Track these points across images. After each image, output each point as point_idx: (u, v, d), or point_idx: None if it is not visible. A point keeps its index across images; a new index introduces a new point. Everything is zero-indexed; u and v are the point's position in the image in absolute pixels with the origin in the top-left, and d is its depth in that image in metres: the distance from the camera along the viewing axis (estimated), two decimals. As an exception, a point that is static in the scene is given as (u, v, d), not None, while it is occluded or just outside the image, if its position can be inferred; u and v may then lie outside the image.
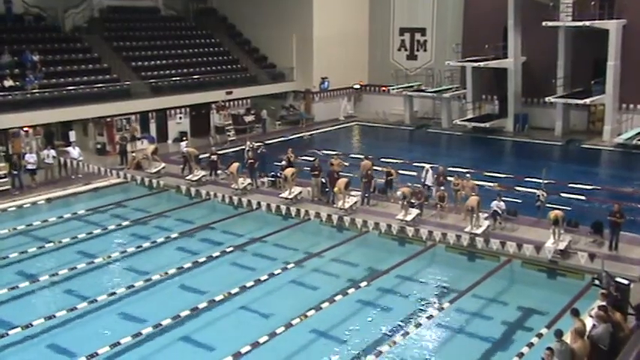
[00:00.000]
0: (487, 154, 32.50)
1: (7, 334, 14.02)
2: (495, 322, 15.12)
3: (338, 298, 15.85)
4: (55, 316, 14.81)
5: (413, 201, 21.12)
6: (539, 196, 21.03)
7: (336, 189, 21.86)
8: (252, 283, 16.65)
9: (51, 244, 19.65)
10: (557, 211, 18.23)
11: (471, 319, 15.37)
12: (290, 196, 22.90)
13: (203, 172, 25.94)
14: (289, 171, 23.22)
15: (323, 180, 23.48)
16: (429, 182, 22.99)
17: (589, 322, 12.28)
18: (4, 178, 24.54)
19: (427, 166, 23.62)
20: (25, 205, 23.39)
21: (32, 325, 14.36)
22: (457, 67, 38.42)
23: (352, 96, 42.75)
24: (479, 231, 19.14)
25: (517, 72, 36.24)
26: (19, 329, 14.20)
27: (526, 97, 37.07)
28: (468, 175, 22.81)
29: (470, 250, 18.89)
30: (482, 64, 35.70)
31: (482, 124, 36.06)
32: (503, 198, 20.46)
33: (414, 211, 20.73)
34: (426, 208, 21.53)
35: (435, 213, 21.48)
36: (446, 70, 39.26)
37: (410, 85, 40.31)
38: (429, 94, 38.92)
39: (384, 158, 27.20)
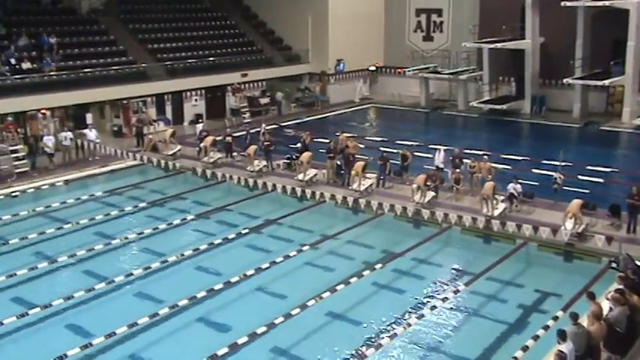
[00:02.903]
0: (504, 136, 32.22)
1: (27, 314, 14.25)
2: (510, 305, 15.09)
3: (353, 280, 15.88)
4: (73, 297, 15.02)
5: (428, 183, 21.05)
6: (556, 178, 20.85)
7: (353, 172, 21.83)
8: (267, 265, 16.74)
9: (69, 226, 19.87)
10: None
11: (486, 302, 15.35)
12: (305, 179, 22.91)
13: (219, 155, 26.01)
14: (306, 155, 23.20)
15: (338, 162, 23.44)
16: (439, 164, 22.85)
17: (605, 306, 12.21)
18: (23, 160, 24.80)
19: (440, 147, 23.46)
20: (43, 187, 23.64)
21: (51, 305, 14.59)
22: (474, 49, 37.97)
23: (368, 78, 42.49)
24: (495, 213, 19.04)
25: (535, 53, 35.76)
26: (38, 309, 14.43)
27: (543, 79, 36.59)
28: (484, 157, 22.63)
29: (486, 232, 18.81)
30: (499, 45, 35.26)
31: (498, 106, 35.71)
32: (520, 180, 20.30)
33: (430, 194, 20.65)
34: (441, 190, 21.44)
35: (450, 195, 21.39)
36: (462, 52, 38.81)
37: (426, 66, 39.96)
38: (445, 75, 38.56)
39: (400, 141, 27.06)
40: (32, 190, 23.34)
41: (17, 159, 24.70)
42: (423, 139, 28.39)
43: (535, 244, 17.94)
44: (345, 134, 26.18)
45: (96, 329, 13.63)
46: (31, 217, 20.75)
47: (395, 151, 24.57)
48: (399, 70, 41.23)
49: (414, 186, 20.55)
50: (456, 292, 15.41)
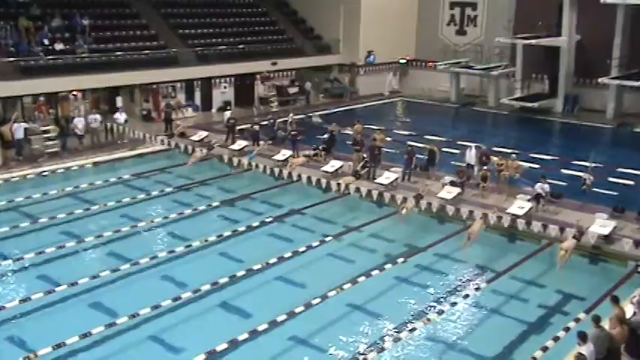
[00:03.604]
0: (534, 134, 31.79)
1: (54, 291, 14.57)
2: (532, 305, 14.96)
3: (374, 273, 15.90)
4: (99, 276, 15.31)
5: (455, 180, 20.91)
6: (585, 179, 20.55)
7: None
8: (289, 254, 16.83)
9: (96, 207, 20.19)
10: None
11: (507, 301, 15.24)
12: (331, 170, 22.92)
13: (245, 142, 26.14)
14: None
15: (364, 155, 23.40)
16: (471, 161, 22.66)
17: (629, 310, 12.04)
18: (54, 140, 25.23)
19: (472, 144, 23.27)
20: (72, 168, 24.04)
21: (77, 284, 14.89)
22: (507, 44, 37.46)
23: (398, 71, 42.23)
24: (521, 212, 18.84)
25: (570, 51, 35.15)
26: (65, 286, 14.74)
27: (578, 78, 35.94)
28: (513, 155, 22.38)
29: (510, 231, 18.64)
30: (533, 41, 34.69)
31: (530, 104, 35.18)
32: (548, 180, 20.05)
33: (455, 190, 20.51)
34: (467, 187, 21.28)
35: (476, 193, 21.22)
36: (495, 47, 38.33)
37: (457, 61, 39.55)
38: (477, 71, 38.14)
39: (428, 135, 26.90)
40: (62, 170, 23.74)
41: (48, 139, 25.15)
42: (451, 135, 28.17)
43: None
44: (360, 124, 26.22)
45: (120, 309, 13.88)
46: (60, 197, 21.14)
47: (422, 145, 24.41)
48: (430, 63, 40.86)
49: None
50: (478, 289, 15.33)
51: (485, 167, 21.83)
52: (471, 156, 22.77)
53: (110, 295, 14.82)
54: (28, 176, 22.88)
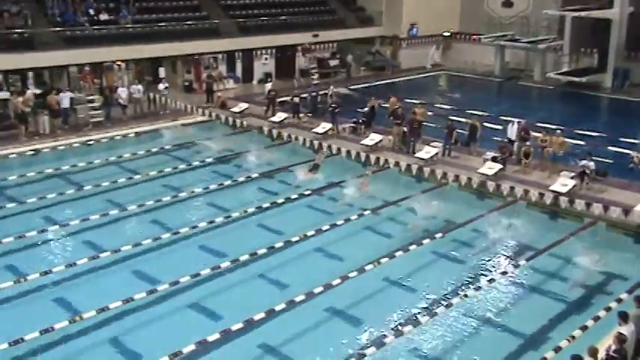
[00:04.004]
0: (580, 110, 30.95)
1: (98, 257, 14.99)
2: (572, 284, 14.70)
3: (412, 247, 15.86)
4: (141, 244, 15.66)
5: (496, 155, 20.58)
6: (632, 157, 19.96)
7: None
8: (327, 227, 16.90)
9: (139, 176, 20.58)
10: None
11: (546, 279, 15.03)
12: (370, 144, 22.80)
13: (285, 115, 26.17)
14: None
15: (405, 129, 23.18)
16: (513, 137, 22.23)
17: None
18: (98, 110, 25.71)
19: (514, 120, 22.81)
20: (116, 137, 24.52)
21: (120, 251, 15.28)
22: (555, 17, 36.34)
23: (441, 44, 41.47)
24: (564, 190, 18.46)
25: (622, 23, 33.85)
26: (108, 253, 15.14)
27: (629, 51, 34.68)
28: (557, 131, 21.86)
29: (552, 209, 18.31)
30: (583, 13, 33.55)
31: (577, 79, 34.15)
32: (593, 157, 19.55)
33: (497, 166, 20.19)
34: (510, 163, 20.92)
35: (518, 169, 20.85)
36: (543, 19, 37.22)
37: (503, 34, 38.58)
38: (523, 44, 37.14)
39: (470, 110, 26.46)
40: (106, 139, 24.24)
41: (93, 109, 25.65)
42: (495, 110, 27.64)
43: (604, 224, 17.34)
44: (395, 97, 25.98)
45: (161, 276, 14.20)
46: (104, 166, 21.62)
47: (464, 120, 24.04)
48: (475, 37, 39.98)
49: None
50: (517, 266, 15.16)
51: (527, 143, 21.39)
52: (512, 131, 22.33)
53: (151, 263, 15.15)
54: (73, 145, 23.45)
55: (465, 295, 13.71)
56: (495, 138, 22.66)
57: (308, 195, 19.36)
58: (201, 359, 11.51)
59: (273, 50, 34.74)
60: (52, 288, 13.88)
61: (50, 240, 16.29)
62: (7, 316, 12.81)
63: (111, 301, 12.82)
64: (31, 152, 22.44)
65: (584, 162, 19.25)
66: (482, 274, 14.84)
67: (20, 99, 23.74)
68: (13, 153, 22.17)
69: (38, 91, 25.15)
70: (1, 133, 23.23)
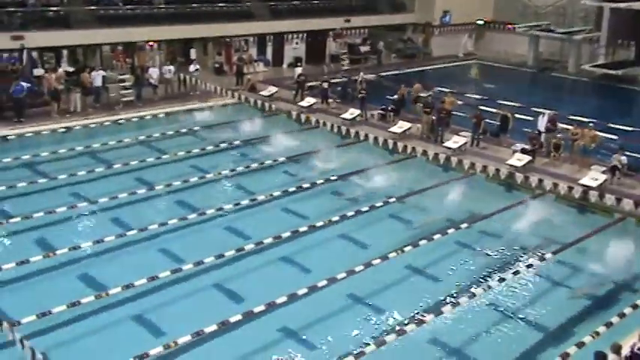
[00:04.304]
0: (614, 104, 30.30)
1: (125, 235, 15.21)
2: (599, 280, 14.48)
3: (436, 237, 15.78)
4: (167, 224, 15.85)
5: (526, 147, 20.30)
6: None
7: None
8: (352, 213, 16.89)
9: (167, 156, 20.79)
10: None
11: (572, 273, 14.86)
12: (399, 131, 22.68)
13: (314, 100, 26.14)
14: None
15: (434, 117, 22.99)
16: (542, 128, 21.89)
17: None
18: (130, 89, 25.97)
19: (545, 111, 22.46)
20: (146, 117, 24.76)
21: (147, 229, 15.48)
22: (593, 7, 35.53)
23: (474, 32, 40.90)
24: (594, 184, 18.16)
25: (662, 16, 33.04)
26: (135, 231, 15.36)
27: (668, 46, 33.89)
28: (590, 124, 21.46)
29: (581, 203, 18.04)
30: (623, 5, 32.73)
31: (613, 71, 33.42)
32: (626, 152, 19.16)
33: (526, 158, 19.93)
34: (539, 155, 20.63)
35: (548, 161, 20.55)
36: (580, 10, 36.45)
37: (538, 24, 37.90)
38: (558, 34, 36.46)
39: (501, 100, 26.11)
40: (136, 119, 24.50)
41: (124, 88, 25.92)
42: (526, 101, 27.18)
43: (634, 220, 17.04)
44: (419, 84, 25.90)
45: (186, 256, 14.37)
46: (133, 145, 21.88)
47: (495, 110, 23.74)
48: (509, 26, 39.33)
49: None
50: (542, 259, 14.98)
51: (559, 135, 21.04)
52: (543, 123, 21.99)
53: (177, 243, 15.32)
54: (104, 123, 23.76)
55: (489, 287, 13.62)
56: (526, 129, 22.34)
57: (334, 180, 19.34)
58: (222, 339, 11.63)
59: (304, 35, 34.65)
60: (79, 263, 14.15)
61: (79, 216, 16.56)
62: (36, 289, 13.11)
63: (136, 278, 13.03)
64: (63, 129, 22.80)
65: (615, 156, 18.91)
66: (506, 266, 14.71)
67: (53, 76, 24.10)
68: (45, 130, 22.55)
69: (71, 69, 25.48)
70: (34, 109, 23.60)
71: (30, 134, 22.13)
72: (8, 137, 21.71)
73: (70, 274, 13.72)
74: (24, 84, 22.94)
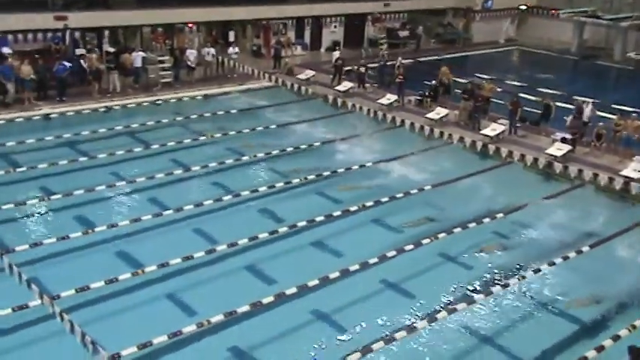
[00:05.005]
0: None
1: (162, 214, 15.46)
2: (637, 275, 14.14)
3: (471, 225, 15.63)
4: (202, 204, 16.03)
5: (566, 136, 19.90)
6: None
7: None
8: (387, 199, 16.83)
9: (203, 138, 20.98)
10: None
11: (610, 267, 14.51)
12: (436, 118, 22.45)
13: (351, 84, 26.02)
14: None
15: (472, 104, 22.65)
16: (586, 118, 21.40)
17: None
18: (168, 70, 26.23)
19: (589, 100, 21.94)
20: (184, 99, 25.00)
21: (182, 210, 15.70)
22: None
23: (516, 18, 40.06)
24: (636, 176, 17.72)
25: None
26: (171, 211, 15.59)
27: None
28: (633, 114, 20.89)
29: (622, 194, 17.62)
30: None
31: (660, 61, 32.47)
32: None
33: (566, 147, 19.54)
34: (580, 145, 20.20)
35: (588, 151, 20.12)
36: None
37: (583, 9, 36.88)
38: (605, 21, 35.43)
39: (542, 88, 25.59)
40: (174, 100, 24.76)
41: (163, 69, 26.18)
42: (568, 90, 26.60)
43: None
44: (446, 67, 25.65)
45: (220, 237, 14.55)
46: (171, 126, 22.14)
47: (534, 98, 23.28)
48: (553, 11, 38.36)
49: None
50: (579, 252, 14.69)
51: (599, 123, 20.55)
52: (587, 113, 21.49)
53: (212, 224, 15.49)
54: (143, 104, 24.07)
55: (523, 277, 13.46)
56: (566, 118, 21.86)
57: (368, 166, 19.27)
58: (254, 320, 11.77)
59: (343, 18, 34.41)
60: (117, 241, 14.44)
61: (117, 195, 16.88)
62: (75, 265, 13.45)
63: (171, 257, 13.23)
64: (103, 109, 23.20)
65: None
66: (541, 257, 14.45)
67: (94, 56, 24.48)
68: (86, 109, 22.99)
69: (112, 50, 25.85)
70: (76, 89, 24.05)
71: (71, 113, 22.58)
72: (51, 116, 22.20)
73: (108, 251, 14.03)
74: (66, 64, 23.39)
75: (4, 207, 15.10)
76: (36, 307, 11.34)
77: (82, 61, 24.39)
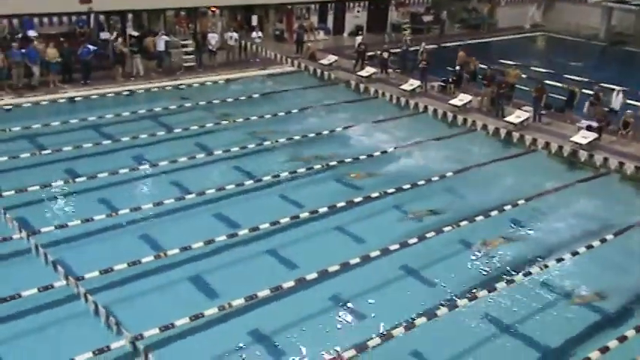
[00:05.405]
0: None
1: (184, 198, 15.58)
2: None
3: (493, 213, 15.52)
4: (224, 189, 16.12)
5: (592, 124, 19.61)
6: None
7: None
8: (408, 186, 16.77)
9: (226, 122, 21.04)
10: None
11: (635, 256, 14.34)
12: (459, 104, 22.24)
13: (374, 70, 25.86)
14: None
15: (495, 91, 22.39)
16: (616, 106, 21.04)
17: None
18: (191, 55, 26.28)
19: (617, 88, 21.55)
20: (206, 83, 25.06)
21: (204, 194, 15.80)
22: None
23: (542, 3, 39.40)
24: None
25: None
26: (193, 195, 15.71)
27: None
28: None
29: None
30: None
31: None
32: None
33: (592, 135, 19.26)
34: (606, 133, 19.90)
35: (615, 139, 19.80)
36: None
37: (612, -5, 36.16)
38: (633, 6, 34.69)
39: (569, 75, 25.19)
40: (197, 84, 24.83)
41: (186, 53, 26.25)
42: (595, 76, 26.15)
43: None
44: (464, 52, 25.47)
45: (241, 221, 14.62)
46: (193, 110, 22.22)
47: (561, 85, 22.94)
48: (581, -4, 37.68)
49: None
50: (603, 240, 14.53)
51: (628, 111, 20.18)
52: (617, 101, 21.14)
53: (233, 208, 15.56)
54: (166, 88, 24.19)
55: (545, 266, 13.35)
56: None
57: (392, 152, 19.19)
58: (274, 304, 11.85)
59: (366, 3, 34.13)
60: (140, 224, 14.59)
61: (140, 178, 17.03)
62: (99, 247, 13.62)
63: (193, 241, 13.35)
64: (127, 92, 23.35)
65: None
66: (564, 246, 14.31)
67: (120, 40, 24.60)
68: (110, 92, 23.16)
69: (136, 34, 25.96)
70: (100, 72, 24.23)
71: (95, 96, 22.77)
72: (75, 99, 22.42)
73: (131, 234, 14.18)
74: (91, 47, 23.56)
75: (30, 189, 15.34)
76: (61, 288, 11.53)
77: (115, 43, 24.47)
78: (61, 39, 23.69)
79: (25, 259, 12.62)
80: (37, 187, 15.47)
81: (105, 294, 11.65)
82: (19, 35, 23.90)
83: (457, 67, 24.91)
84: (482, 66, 24.82)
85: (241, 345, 10.84)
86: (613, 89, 21.62)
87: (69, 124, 20.02)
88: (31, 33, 24.09)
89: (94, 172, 16.51)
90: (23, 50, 22.39)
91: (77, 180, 16.25)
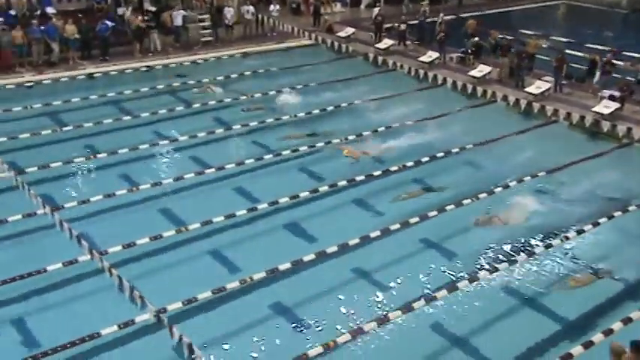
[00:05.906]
0: None
1: (204, 173, 15.67)
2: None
3: (512, 184, 15.43)
4: (243, 163, 16.19)
5: (615, 94, 19.28)
6: None
7: None
8: (427, 159, 16.70)
9: (244, 97, 21.02)
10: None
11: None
12: (479, 75, 21.97)
13: (392, 42, 25.59)
14: None
15: (513, 60, 22.04)
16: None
17: None
18: (208, 29, 26.18)
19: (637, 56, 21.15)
20: (223, 57, 25.00)
21: (224, 168, 15.90)
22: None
23: (564, -30, 38.53)
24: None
25: None
26: (213, 170, 15.80)
27: None
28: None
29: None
30: None
31: None
32: None
33: (614, 105, 18.96)
34: (630, 103, 19.57)
35: (637, 109, 19.48)
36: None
37: (635, -40, 35.28)
38: (657, -27, 33.87)
39: (590, 44, 24.73)
40: (214, 59, 24.77)
41: (203, 28, 26.15)
42: (617, 45, 25.62)
43: None
44: (473, 20, 25.06)
45: (261, 196, 14.72)
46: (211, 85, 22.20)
47: (582, 54, 22.54)
48: (603, -37, 36.78)
49: None
50: (625, 211, 14.38)
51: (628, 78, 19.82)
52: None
53: (253, 182, 15.64)
54: (184, 63, 24.18)
55: (566, 237, 13.28)
56: (615, 75, 21.15)
57: (409, 125, 19.07)
58: (295, 277, 11.96)
59: (383, -26, 33.60)
60: (161, 198, 14.74)
61: (160, 153, 17.14)
62: (121, 221, 13.80)
63: (214, 215, 13.48)
64: (145, 68, 23.39)
65: None
66: (586, 218, 14.19)
67: (138, 17, 24.55)
68: (128, 68, 23.22)
69: (153, 9, 25.89)
70: (118, 48, 24.27)
71: (114, 72, 22.86)
72: (94, 75, 22.52)
73: (152, 209, 14.33)
74: (109, 23, 23.58)
75: (52, 165, 15.55)
76: (85, 263, 11.73)
77: (128, 16, 24.46)
78: (79, 15, 23.76)
79: (49, 234, 12.85)
80: (60, 164, 15.68)
81: (128, 268, 11.84)
82: (38, 12, 23.99)
83: (472, 37, 24.42)
84: (500, 36, 24.43)
85: (263, 318, 10.97)
86: (633, 57, 21.18)
87: (88, 100, 20.16)
88: (50, 10, 24.17)
89: (114, 147, 16.66)
90: (42, 27, 22.52)
91: (98, 156, 16.42)
